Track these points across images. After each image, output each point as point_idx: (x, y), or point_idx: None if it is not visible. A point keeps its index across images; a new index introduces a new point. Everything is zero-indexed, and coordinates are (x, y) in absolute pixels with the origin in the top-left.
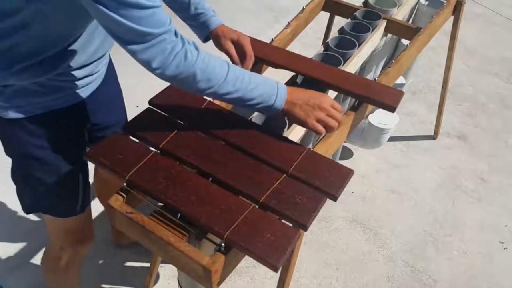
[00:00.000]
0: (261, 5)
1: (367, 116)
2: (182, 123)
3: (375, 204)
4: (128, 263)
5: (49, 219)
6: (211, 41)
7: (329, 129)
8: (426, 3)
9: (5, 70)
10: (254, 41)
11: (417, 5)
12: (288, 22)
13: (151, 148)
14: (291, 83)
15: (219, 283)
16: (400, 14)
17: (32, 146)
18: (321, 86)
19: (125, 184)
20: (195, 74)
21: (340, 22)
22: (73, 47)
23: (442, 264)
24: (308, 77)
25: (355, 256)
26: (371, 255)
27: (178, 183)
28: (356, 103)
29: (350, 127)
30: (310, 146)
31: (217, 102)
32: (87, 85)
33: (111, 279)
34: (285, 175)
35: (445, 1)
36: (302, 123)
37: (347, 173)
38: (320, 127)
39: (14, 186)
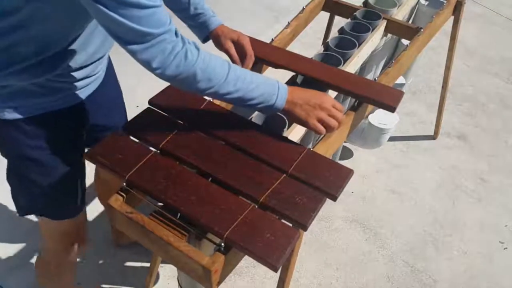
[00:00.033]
0: (261, 5)
1: (367, 116)
2: (182, 123)
3: (375, 204)
4: (128, 263)
5: (43, 221)
6: (210, 41)
7: (329, 129)
8: (426, 3)
9: (4, 70)
10: (254, 41)
11: (417, 5)
12: (288, 22)
13: (151, 148)
14: (291, 83)
15: (219, 283)
16: (400, 14)
17: (27, 147)
18: (321, 86)
19: (124, 184)
20: (196, 74)
21: (340, 22)
22: (72, 47)
23: (442, 264)
24: (308, 77)
25: (355, 256)
26: (371, 255)
27: (178, 183)
28: (356, 103)
29: (350, 127)
30: (310, 146)
31: (217, 102)
32: (85, 87)
33: (111, 279)
34: (285, 175)
35: (445, 1)
36: (303, 123)
37: (347, 173)
38: (321, 127)
39: None
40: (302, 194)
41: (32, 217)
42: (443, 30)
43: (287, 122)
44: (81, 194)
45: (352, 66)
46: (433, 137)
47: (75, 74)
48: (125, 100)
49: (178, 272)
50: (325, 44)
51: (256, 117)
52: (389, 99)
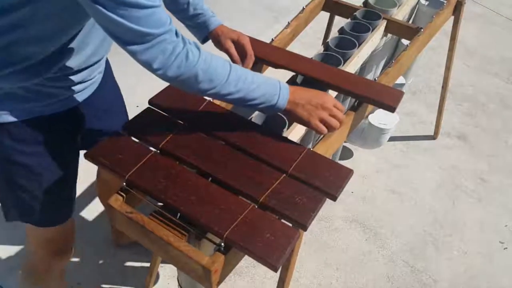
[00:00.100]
0: (261, 5)
1: (367, 116)
2: (182, 123)
3: (375, 204)
4: (128, 263)
5: (30, 227)
6: (209, 42)
7: (331, 129)
8: (426, 3)
9: None
10: (254, 41)
11: (417, 5)
12: (288, 22)
13: (151, 148)
14: (291, 83)
15: (219, 283)
16: (400, 14)
17: (16, 152)
18: (321, 86)
19: (124, 184)
20: (197, 75)
21: (340, 22)
22: (68, 48)
23: (442, 264)
24: (308, 77)
25: (355, 256)
26: (371, 255)
27: (178, 183)
28: (356, 103)
29: (350, 127)
30: (310, 146)
31: (217, 102)
32: (81, 92)
33: (111, 279)
34: (284, 175)
35: (445, 1)
36: (305, 123)
37: (347, 173)
38: (323, 127)
39: None
40: (302, 194)
41: None
42: (443, 30)
43: (287, 122)
44: (70, 201)
45: (352, 66)
46: (433, 137)
47: (69, 78)
48: (125, 100)
49: (178, 272)
50: (325, 44)
51: (256, 117)
52: (389, 99)
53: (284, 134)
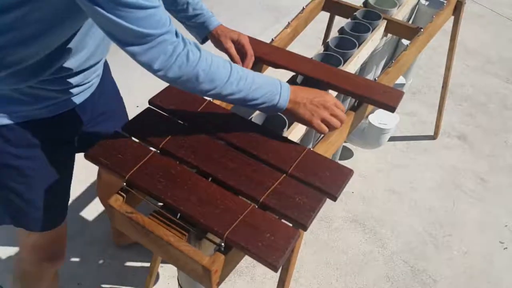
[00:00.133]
0: (261, 5)
1: (367, 116)
2: (182, 123)
3: (375, 204)
4: (128, 263)
5: (22, 231)
6: (209, 42)
7: (332, 128)
8: (426, 3)
9: None
10: (254, 41)
11: (417, 5)
12: (288, 22)
13: (151, 148)
14: (291, 83)
15: (219, 283)
16: (400, 14)
17: (8, 155)
18: (321, 86)
19: (124, 184)
20: (198, 75)
21: (340, 22)
22: (63, 50)
23: (442, 264)
24: (308, 77)
25: (355, 256)
26: (371, 255)
27: (178, 183)
28: (356, 103)
29: (350, 127)
30: (310, 146)
31: (217, 102)
32: (76, 95)
33: (111, 279)
34: (285, 175)
35: (445, 1)
36: (307, 123)
37: (347, 173)
38: (325, 127)
39: None
40: (302, 194)
41: None
42: (443, 30)
43: (287, 122)
44: (63, 206)
45: (352, 66)
46: (433, 137)
47: (65, 81)
48: (125, 100)
49: (178, 272)
50: (325, 44)
51: (256, 117)
52: (389, 99)
53: (284, 134)
